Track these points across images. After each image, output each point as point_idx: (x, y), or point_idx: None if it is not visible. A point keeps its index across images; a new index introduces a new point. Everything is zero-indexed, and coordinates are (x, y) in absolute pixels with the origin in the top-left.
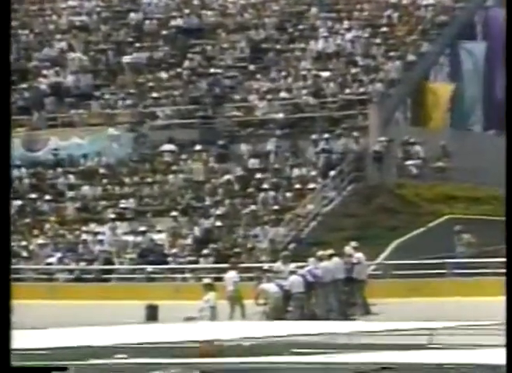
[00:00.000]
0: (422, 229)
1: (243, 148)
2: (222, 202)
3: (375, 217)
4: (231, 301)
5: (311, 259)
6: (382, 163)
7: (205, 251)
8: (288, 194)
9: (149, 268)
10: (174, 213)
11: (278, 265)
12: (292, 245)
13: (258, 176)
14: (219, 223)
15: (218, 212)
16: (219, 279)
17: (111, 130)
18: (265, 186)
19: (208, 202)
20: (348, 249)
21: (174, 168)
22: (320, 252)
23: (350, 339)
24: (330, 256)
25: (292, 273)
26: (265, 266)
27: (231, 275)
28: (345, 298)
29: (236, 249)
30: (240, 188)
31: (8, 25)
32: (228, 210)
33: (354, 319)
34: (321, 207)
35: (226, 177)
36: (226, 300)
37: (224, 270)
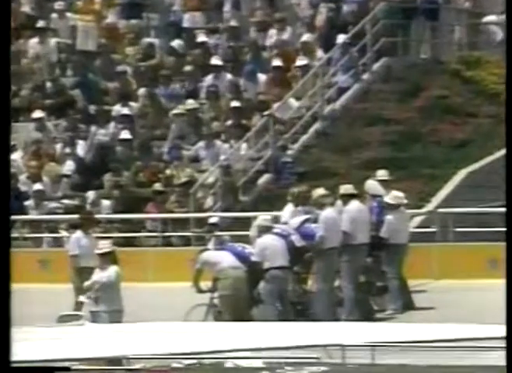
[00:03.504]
0: None
1: None
2: (133, 90)
3: (424, 123)
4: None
5: (297, 205)
6: (437, 21)
7: (98, 188)
8: (260, 77)
9: None
10: (38, 112)
11: (237, 215)
12: (265, 177)
13: (202, 39)
14: (125, 133)
15: (124, 111)
16: (128, 242)
17: None
18: (215, 61)
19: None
20: (372, 185)
21: (41, 24)
22: (319, 191)
23: (374, 358)
24: (346, 198)
25: (265, 229)
26: (214, 217)
27: (76, 236)
28: (367, 277)
29: (158, 185)
30: (167, 65)
31: (9, 25)
32: (144, 106)
33: (382, 319)
34: (322, 103)
35: (143, 42)
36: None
37: (136, 224)
